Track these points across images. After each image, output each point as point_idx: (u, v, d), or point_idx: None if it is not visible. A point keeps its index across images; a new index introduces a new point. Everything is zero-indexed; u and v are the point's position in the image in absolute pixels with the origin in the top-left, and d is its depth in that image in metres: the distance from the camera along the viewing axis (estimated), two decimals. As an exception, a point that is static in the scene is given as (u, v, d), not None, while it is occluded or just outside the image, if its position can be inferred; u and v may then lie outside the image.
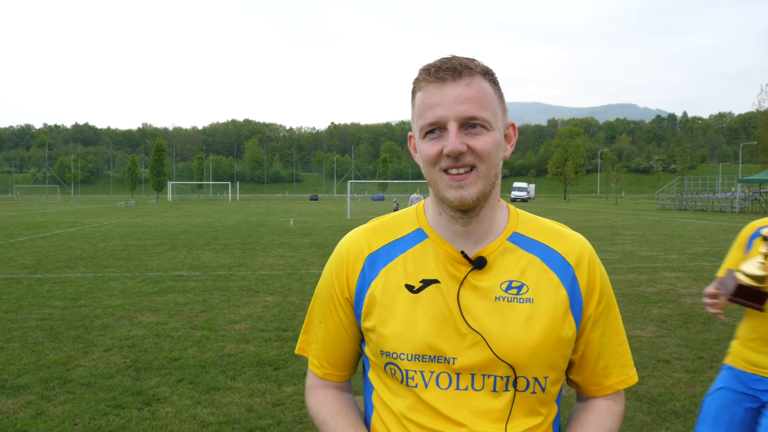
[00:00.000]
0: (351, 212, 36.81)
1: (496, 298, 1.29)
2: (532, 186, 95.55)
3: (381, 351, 1.31)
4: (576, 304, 1.32)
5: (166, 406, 4.93)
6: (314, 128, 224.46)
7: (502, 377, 1.26)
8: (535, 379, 1.28)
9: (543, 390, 1.29)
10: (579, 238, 1.41)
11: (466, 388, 1.27)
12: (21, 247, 17.24)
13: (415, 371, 1.28)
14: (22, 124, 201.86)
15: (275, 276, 11.77)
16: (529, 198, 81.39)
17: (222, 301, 9.27)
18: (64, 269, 12.74)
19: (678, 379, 5.65)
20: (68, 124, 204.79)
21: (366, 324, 1.35)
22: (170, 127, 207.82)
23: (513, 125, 1.37)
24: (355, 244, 1.41)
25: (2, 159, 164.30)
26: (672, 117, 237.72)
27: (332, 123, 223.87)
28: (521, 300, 1.29)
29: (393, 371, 1.31)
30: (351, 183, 42.49)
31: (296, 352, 1.55)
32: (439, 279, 1.31)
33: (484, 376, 1.27)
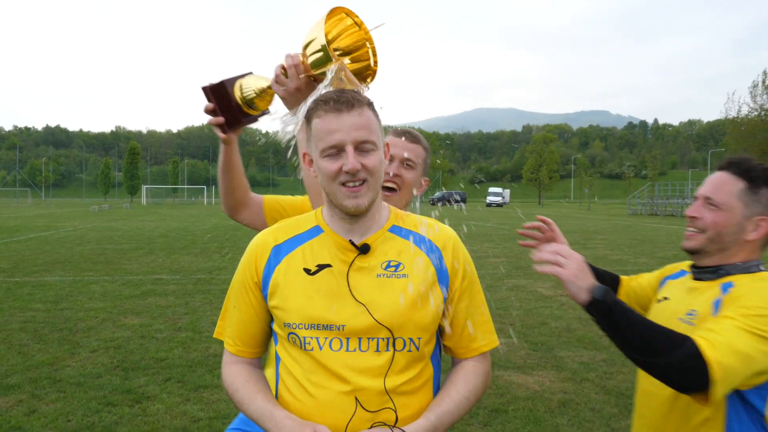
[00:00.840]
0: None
1: (377, 275, 1.58)
2: (507, 191, 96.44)
3: (284, 323, 1.58)
4: (443, 279, 1.62)
5: (156, 403, 5.10)
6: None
7: (383, 339, 1.54)
8: (411, 339, 1.56)
9: (417, 349, 1.57)
10: (447, 228, 1.71)
11: (354, 350, 1.54)
12: (-4, 251, 17.10)
13: (312, 337, 1.55)
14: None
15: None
16: (504, 203, 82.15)
17: (204, 303, 9.40)
18: (43, 273, 12.73)
19: (645, 375, 5.96)
20: (39, 126, 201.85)
21: (272, 303, 1.62)
22: (144, 130, 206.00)
23: (387, 144, 1.68)
24: (262, 239, 1.70)
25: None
26: (643, 124, 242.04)
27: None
28: (398, 276, 1.58)
29: (294, 339, 1.58)
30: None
31: (214, 336, 1.81)
32: (331, 264, 1.60)
33: (369, 339, 1.54)
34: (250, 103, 2.01)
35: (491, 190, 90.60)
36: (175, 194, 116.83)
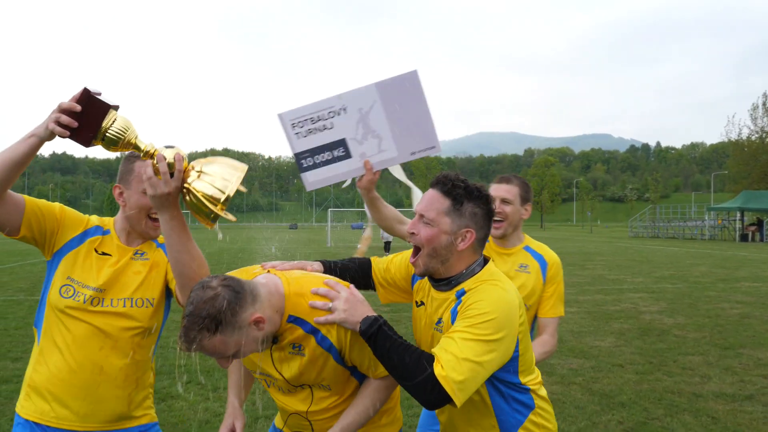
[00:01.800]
0: (332, 239, 37.47)
1: (291, 350, 2.04)
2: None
3: (258, 372, 2.15)
4: (332, 350, 2.01)
5: (179, 401, 5.62)
6: (293, 157, 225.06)
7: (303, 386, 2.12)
8: (328, 385, 2.08)
9: (330, 388, 2.09)
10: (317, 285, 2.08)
11: (289, 391, 2.14)
12: (12, 273, 17.68)
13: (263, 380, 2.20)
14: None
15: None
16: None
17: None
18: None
19: (628, 378, 6.45)
20: (46, 154, 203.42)
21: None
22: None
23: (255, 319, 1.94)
24: None
25: None
26: (646, 147, 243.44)
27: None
28: (299, 351, 2.03)
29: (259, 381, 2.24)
30: (331, 211, 43.25)
31: None
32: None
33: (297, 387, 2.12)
34: (107, 138, 1.91)
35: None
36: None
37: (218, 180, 1.87)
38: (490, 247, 3.02)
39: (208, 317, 1.76)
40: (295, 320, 1.98)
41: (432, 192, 2.04)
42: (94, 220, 2.43)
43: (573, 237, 50.08)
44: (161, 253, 2.44)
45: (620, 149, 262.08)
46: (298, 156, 2.46)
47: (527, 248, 3.03)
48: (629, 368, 6.87)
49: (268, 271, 2.11)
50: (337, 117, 2.40)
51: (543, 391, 2.15)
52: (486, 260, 2.11)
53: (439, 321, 2.04)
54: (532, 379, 2.09)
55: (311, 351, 1.99)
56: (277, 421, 2.34)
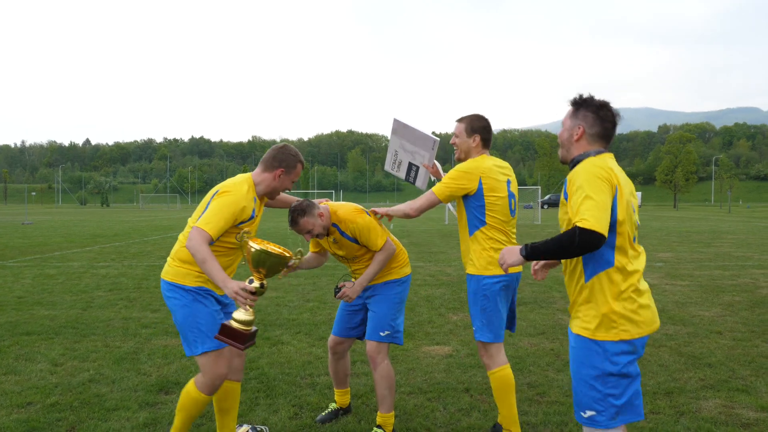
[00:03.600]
0: (448, 217, 37.81)
1: (333, 241, 4.03)
2: (639, 194, 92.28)
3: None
4: (352, 240, 3.96)
5: (288, 346, 6.32)
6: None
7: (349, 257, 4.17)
8: (354, 256, 4.08)
9: (355, 257, 4.08)
10: (344, 212, 3.97)
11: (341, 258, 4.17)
12: (155, 244, 19.68)
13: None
14: (145, 139, 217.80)
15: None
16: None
17: (329, 283, 10.70)
18: (195, 259, 14.69)
19: (723, 344, 6.40)
20: (185, 138, 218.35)
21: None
22: (278, 139, 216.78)
23: (321, 214, 3.89)
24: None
25: (128, 171, 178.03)
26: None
27: (433, 132, 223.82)
28: (335, 241, 4.03)
29: None
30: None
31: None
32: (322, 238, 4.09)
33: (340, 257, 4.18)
34: (244, 323, 3.23)
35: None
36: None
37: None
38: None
39: (300, 208, 3.79)
40: (335, 225, 3.95)
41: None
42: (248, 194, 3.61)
43: (708, 217, 47.11)
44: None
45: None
46: (406, 179, 4.44)
47: None
48: (727, 335, 6.78)
49: (325, 203, 4.02)
50: (400, 156, 4.41)
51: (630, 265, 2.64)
52: (600, 152, 2.74)
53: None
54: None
55: (338, 237, 3.97)
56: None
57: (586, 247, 2.41)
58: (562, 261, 2.79)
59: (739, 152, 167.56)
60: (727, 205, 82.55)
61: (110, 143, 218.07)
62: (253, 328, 3.24)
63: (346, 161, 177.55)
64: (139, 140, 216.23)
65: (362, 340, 4.20)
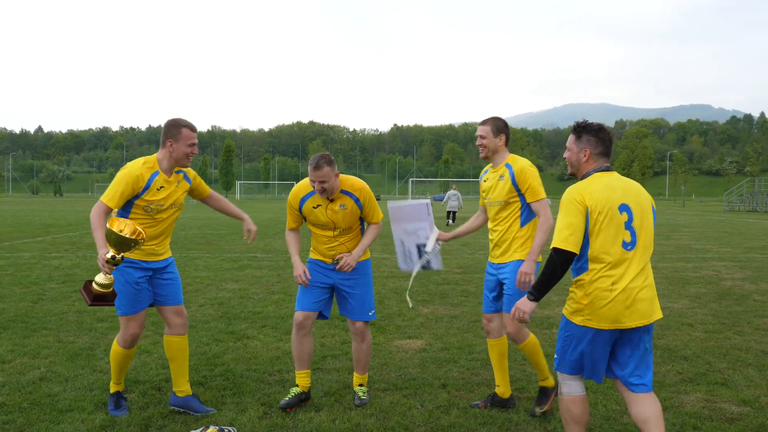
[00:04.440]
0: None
1: (339, 207, 4.22)
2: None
3: (311, 223, 4.34)
4: (360, 209, 4.30)
5: (254, 341, 6.04)
6: (377, 130, 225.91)
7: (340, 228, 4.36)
8: (349, 227, 4.36)
9: (351, 228, 4.37)
10: (358, 182, 4.32)
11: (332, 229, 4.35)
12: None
13: (318, 228, 4.37)
14: (101, 127, 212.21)
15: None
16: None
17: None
18: (153, 250, 14.21)
19: (696, 336, 6.36)
20: (143, 127, 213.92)
21: (303, 214, 4.37)
22: (238, 129, 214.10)
23: (337, 174, 4.16)
24: (296, 193, 4.35)
25: (82, 160, 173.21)
26: (749, 118, 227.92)
27: (395, 125, 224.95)
28: (344, 207, 4.24)
29: (314, 225, 4.36)
30: (413, 181, 43.36)
31: (286, 225, 4.58)
32: (321, 204, 4.25)
33: (333, 229, 4.35)
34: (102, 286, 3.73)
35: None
36: (266, 190, 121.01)
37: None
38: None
39: (328, 158, 4.07)
40: (346, 192, 4.24)
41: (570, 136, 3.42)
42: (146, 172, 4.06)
43: (663, 210, 48.15)
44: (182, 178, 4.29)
45: (720, 120, 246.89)
46: (424, 269, 4.59)
47: (507, 165, 4.19)
48: (699, 327, 6.76)
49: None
50: (407, 245, 4.58)
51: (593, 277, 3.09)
52: (606, 169, 3.26)
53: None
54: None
55: (351, 207, 4.25)
56: (313, 254, 4.47)
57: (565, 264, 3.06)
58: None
59: (692, 148, 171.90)
60: (681, 200, 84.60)
61: (64, 131, 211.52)
62: (112, 290, 3.78)
63: (308, 153, 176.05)
64: (94, 128, 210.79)
65: (324, 318, 4.56)
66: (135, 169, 3.95)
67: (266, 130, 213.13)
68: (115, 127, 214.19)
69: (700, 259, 13.38)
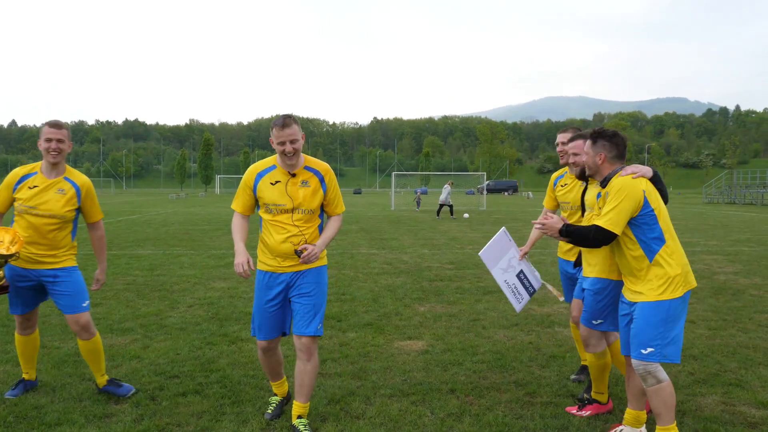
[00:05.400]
0: (395, 204, 37.58)
1: (301, 184, 3.86)
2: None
3: (264, 206, 3.87)
4: (324, 191, 3.95)
5: (249, 344, 5.81)
6: (357, 123, 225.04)
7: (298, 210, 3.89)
8: (310, 210, 3.89)
9: (312, 213, 3.90)
10: (324, 163, 3.98)
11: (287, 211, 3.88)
12: (91, 230, 18.56)
13: (272, 211, 3.88)
14: (76, 121, 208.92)
15: (330, 255, 12.62)
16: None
17: (283, 272, 10.15)
18: (136, 247, 13.87)
19: (700, 334, 6.25)
20: (119, 120, 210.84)
21: (257, 195, 3.90)
22: (217, 123, 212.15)
23: (303, 136, 3.84)
24: (252, 169, 3.94)
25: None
26: (724, 110, 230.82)
27: (375, 118, 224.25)
28: (307, 185, 3.88)
29: (269, 210, 3.87)
30: (395, 175, 43.23)
31: (231, 206, 4.02)
32: (280, 180, 3.86)
33: (292, 211, 3.88)
34: None
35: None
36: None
37: None
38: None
39: (293, 116, 3.81)
40: (310, 168, 3.93)
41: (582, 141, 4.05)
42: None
43: (643, 203, 48.42)
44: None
45: (696, 113, 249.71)
46: (531, 295, 4.73)
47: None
48: (701, 324, 6.65)
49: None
50: (510, 281, 4.64)
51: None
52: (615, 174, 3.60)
53: (598, 195, 3.77)
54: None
55: (314, 185, 3.91)
56: (262, 262, 4.06)
57: (600, 240, 3.48)
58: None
59: (670, 140, 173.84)
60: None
61: (38, 125, 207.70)
62: (5, 283, 4.14)
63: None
64: (69, 122, 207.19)
65: (287, 335, 4.12)
66: (10, 176, 4.26)
67: (245, 123, 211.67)
68: (90, 121, 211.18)
69: (689, 253, 13.35)
